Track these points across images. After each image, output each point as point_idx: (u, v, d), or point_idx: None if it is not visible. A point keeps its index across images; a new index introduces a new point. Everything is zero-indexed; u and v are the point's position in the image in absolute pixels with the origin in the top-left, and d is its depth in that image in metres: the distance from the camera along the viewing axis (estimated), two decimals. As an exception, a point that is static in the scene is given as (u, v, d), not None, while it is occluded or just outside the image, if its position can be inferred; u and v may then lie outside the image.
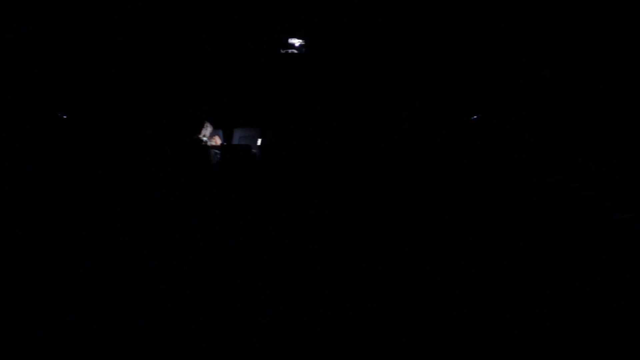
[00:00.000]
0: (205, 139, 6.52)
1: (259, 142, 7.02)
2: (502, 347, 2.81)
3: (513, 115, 8.20)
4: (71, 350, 2.77)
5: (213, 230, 4.00)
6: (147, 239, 3.95)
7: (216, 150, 6.17)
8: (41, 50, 7.81)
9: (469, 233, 3.96)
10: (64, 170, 5.60)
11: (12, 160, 5.95)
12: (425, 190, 4.79)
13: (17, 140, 6.94)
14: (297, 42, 7.22)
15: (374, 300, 3.06)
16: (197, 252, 3.80)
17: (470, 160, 5.96)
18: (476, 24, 7.06)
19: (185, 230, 4.02)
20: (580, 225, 4.29)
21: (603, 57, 6.75)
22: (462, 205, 4.31)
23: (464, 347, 2.79)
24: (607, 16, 6.15)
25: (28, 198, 4.68)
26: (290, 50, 7.35)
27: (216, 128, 7.01)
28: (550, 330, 2.92)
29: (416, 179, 5.12)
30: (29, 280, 3.23)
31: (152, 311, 3.03)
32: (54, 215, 4.12)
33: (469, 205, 4.31)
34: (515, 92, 8.32)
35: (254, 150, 6.33)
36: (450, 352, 2.79)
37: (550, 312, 3.08)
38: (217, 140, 6.66)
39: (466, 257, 3.40)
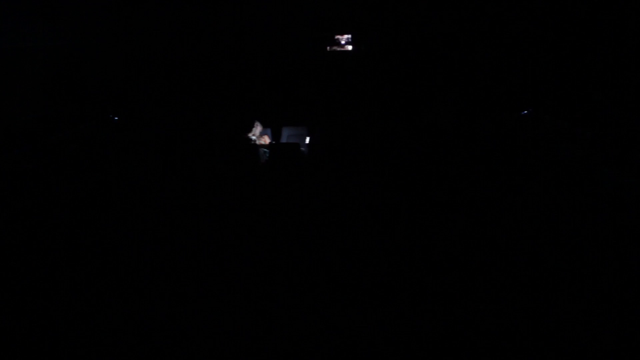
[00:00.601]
0: (254, 137, 6.63)
1: (307, 140, 7.03)
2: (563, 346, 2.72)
3: (564, 110, 7.91)
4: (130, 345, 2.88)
5: (262, 225, 4.06)
6: (199, 234, 4.05)
7: (265, 149, 6.25)
8: (95, 52, 8.12)
9: (524, 230, 3.85)
10: (118, 168, 5.82)
11: (68, 161, 6.23)
12: (479, 186, 4.70)
13: (72, 141, 7.26)
14: (343, 39, 7.23)
15: (426, 297, 3.04)
16: (247, 247, 3.87)
17: (523, 156, 5.79)
18: (523, 17, 6.85)
19: (235, 225, 4.10)
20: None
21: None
22: (516, 201, 4.20)
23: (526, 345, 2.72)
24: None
25: (84, 195, 4.90)
26: (336, 48, 7.35)
27: (265, 127, 7.08)
28: (611, 331, 2.81)
29: (470, 175, 5.03)
30: (89, 272, 3.39)
31: (203, 302, 3.12)
32: (109, 212, 4.30)
33: (523, 202, 4.19)
34: (565, 85, 8.02)
35: (302, 149, 6.35)
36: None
37: (610, 312, 2.96)
38: (266, 139, 6.75)
39: (520, 254, 3.32)
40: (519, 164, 5.54)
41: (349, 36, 7.26)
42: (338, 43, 7.28)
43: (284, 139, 7.31)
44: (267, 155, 6.10)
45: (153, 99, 8.56)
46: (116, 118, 8.34)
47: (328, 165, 5.40)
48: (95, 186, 5.22)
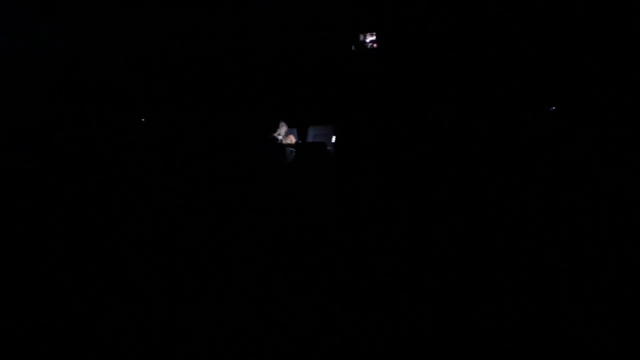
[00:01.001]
0: (280, 137, 6.64)
1: (334, 139, 7.01)
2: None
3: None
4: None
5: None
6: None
7: (291, 149, 6.26)
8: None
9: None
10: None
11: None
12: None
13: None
14: (368, 38, 7.23)
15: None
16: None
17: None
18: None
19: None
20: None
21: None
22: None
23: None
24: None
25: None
26: (361, 47, 7.34)
27: (291, 127, 7.08)
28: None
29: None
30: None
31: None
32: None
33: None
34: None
35: (328, 148, 6.34)
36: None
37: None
38: (292, 139, 6.77)
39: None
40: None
41: (374, 37, 7.26)
42: (364, 42, 7.29)
43: (310, 139, 7.29)
44: (294, 154, 6.11)
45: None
46: (143, 119, 8.25)
47: (355, 163, 5.38)
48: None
